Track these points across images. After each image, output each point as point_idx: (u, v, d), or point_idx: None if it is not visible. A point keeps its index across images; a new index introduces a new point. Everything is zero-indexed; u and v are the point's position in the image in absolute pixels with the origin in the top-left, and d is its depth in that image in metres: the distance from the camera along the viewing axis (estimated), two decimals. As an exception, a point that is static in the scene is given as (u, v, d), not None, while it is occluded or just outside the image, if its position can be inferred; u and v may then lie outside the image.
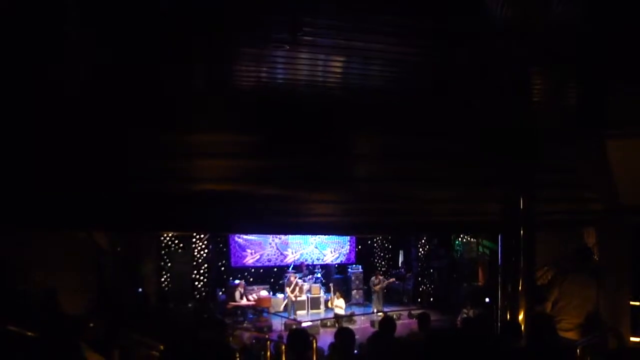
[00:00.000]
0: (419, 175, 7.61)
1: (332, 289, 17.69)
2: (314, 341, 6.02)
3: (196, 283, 17.16)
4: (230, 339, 9.78)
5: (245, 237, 18.64)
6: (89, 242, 10.15)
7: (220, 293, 17.52)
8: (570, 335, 6.57)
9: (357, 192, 7.95)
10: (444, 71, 4.86)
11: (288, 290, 16.89)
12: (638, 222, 6.58)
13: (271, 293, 17.90)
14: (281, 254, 19.36)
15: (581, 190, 7.66)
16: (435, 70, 4.86)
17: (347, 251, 20.56)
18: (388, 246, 21.48)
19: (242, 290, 16.75)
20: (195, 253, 17.29)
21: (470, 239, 16.71)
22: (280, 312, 16.94)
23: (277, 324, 15.68)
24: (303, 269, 18.61)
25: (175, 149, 6.82)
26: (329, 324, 15.69)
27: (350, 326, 13.33)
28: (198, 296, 16.99)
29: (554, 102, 5.86)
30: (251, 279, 18.77)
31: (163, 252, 16.40)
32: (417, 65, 4.69)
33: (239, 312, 16.42)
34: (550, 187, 7.71)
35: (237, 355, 6.30)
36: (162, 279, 16.18)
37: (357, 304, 18.47)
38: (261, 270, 19.30)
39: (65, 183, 6.82)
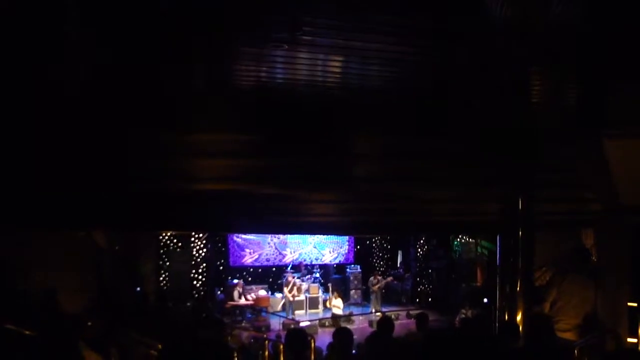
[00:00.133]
0: (418, 175, 7.61)
1: (330, 288, 17.68)
2: (312, 341, 6.02)
3: (195, 282, 17.13)
4: (229, 338, 9.75)
5: (244, 236, 18.62)
6: (88, 242, 10.14)
7: (219, 292, 17.50)
8: (568, 335, 6.58)
9: (357, 192, 7.96)
10: (444, 71, 4.86)
11: (286, 290, 16.88)
12: (637, 222, 6.58)
13: (270, 293, 17.89)
14: (280, 253, 19.35)
15: (580, 190, 7.67)
16: (435, 70, 4.86)
17: (346, 251, 20.54)
18: (387, 246, 21.46)
19: (241, 290, 16.74)
20: (194, 252, 17.26)
21: (469, 239, 16.71)
22: (278, 311, 16.95)
23: (276, 323, 15.67)
24: (302, 268, 18.60)
25: (175, 148, 6.82)
26: (327, 323, 15.67)
27: (349, 326, 13.32)
28: (196, 295, 16.95)
29: (553, 102, 5.86)
30: (250, 279, 18.75)
31: (162, 251, 16.37)
32: (416, 65, 4.69)
33: (238, 311, 16.40)
34: (549, 187, 7.71)
35: (235, 355, 6.31)
36: (161, 278, 16.14)
37: (356, 304, 18.44)
38: (260, 270, 19.29)
39: (65, 183, 6.82)
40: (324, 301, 17.61)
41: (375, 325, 11.57)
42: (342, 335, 5.23)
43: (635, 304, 6.57)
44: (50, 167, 6.60)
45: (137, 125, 6.31)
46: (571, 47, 4.16)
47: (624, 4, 3.43)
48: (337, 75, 5.00)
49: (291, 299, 16.70)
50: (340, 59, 4.53)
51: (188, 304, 15.57)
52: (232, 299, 16.50)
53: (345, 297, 17.65)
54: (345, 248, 20.48)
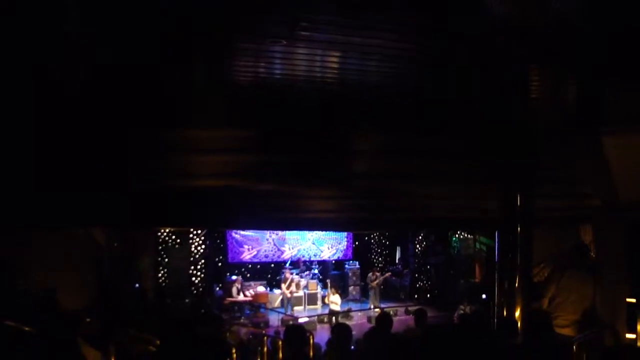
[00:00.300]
0: (417, 171, 7.61)
1: (328, 285, 17.74)
2: (311, 337, 6.03)
3: (193, 279, 17.14)
4: (227, 334, 9.76)
5: (242, 232, 18.64)
6: (88, 240, 10.16)
7: (218, 289, 17.52)
8: (567, 331, 6.58)
9: (355, 188, 7.96)
10: (443, 68, 4.86)
11: (283, 286, 16.89)
12: (636, 219, 6.58)
13: (268, 289, 17.92)
14: (278, 249, 19.37)
15: (579, 187, 7.67)
16: (434, 67, 4.85)
17: (344, 247, 20.57)
18: (385, 242, 21.49)
19: (239, 286, 16.76)
20: (193, 249, 17.27)
21: (468, 235, 16.75)
22: (277, 308, 16.97)
23: (274, 319, 15.70)
24: (300, 265, 18.63)
25: (174, 145, 6.81)
26: (325, 320, 15.71)
27: (347, 322, 13.36)
28: (195, 292, 16.97)
29: (552, 99, 5.86)
30: (248, 275, 18.78)
31: (160, 247, 16.38)
32: (415, 61, 4.68)
33: (236, 307, 16.43)
34: (548, 183, 7.71)
35: (234, 351, 6.30)
36: (159, 275, 16.16)
37: (354, 300, 18.48)
38: (258, 266, 19.32)
39: (66, 182, 6.82)
40: (323, 297, 17.65)
41: (373, 321, 11.62)
42: (340, 331, 5.24)
43: (633, 300, 6.57)
44: (51, 165, 6.59)
45: (135, 122, 6.29)
46: (570, 44, 4.15)
47: (622, 2, 3.42)
48: (336, 71, 4.99)
49: (289, 295, 16.72)
50: (339, 54, 4.51)
51: (186, 300, 15.63)
52: (231, 295, 16.52)
53: (343, 293, 17.68)
54: (343, 244, 20.51)
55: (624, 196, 6.46)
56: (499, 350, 5.16)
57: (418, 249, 19.57)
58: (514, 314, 7.26)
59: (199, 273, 17.31)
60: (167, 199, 7.43)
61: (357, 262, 19.60)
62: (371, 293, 17.40)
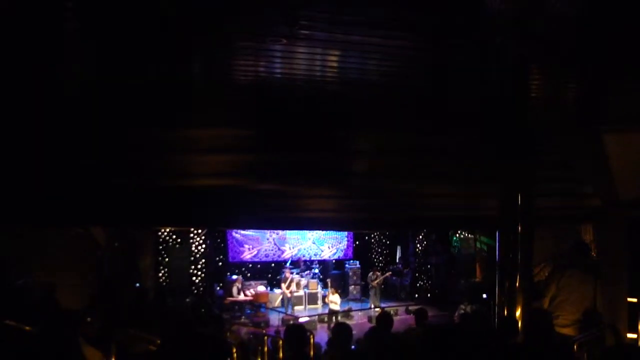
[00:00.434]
0: (418, 170, 7.60)
1: (329, 284, 17.74)
2: (311, 337, 6.02)
3: (194, 278, 17.15)
4: (228, 334, 9.76)
5: (242, 232, 18.65)
6: (88, 239, 10.14)
7: (218, 288, 17.53)
8: (568, 331, 6.57)
9: (356, 188, 7.95)
10: (443, 67, 4.85)
11: (283, 286, 16.90)
12: (636, 217, 6.58)
13: (269, 288, 17.92)
14: (279, 249, 19.38)
15: (580, 186, 7.67)
16: (434, 66, 4.85)
17: (345, 247, 20.58)
18: (386, 242, 21.49)
19: (240, 286, 16.77)
20: (193, 248, 17.28)
21: (468, 234, 16.74)
22: (277, 307, 16.97)
23: (275, 319, 15.70)
24: (300, 264, 18.63)
25: (174, 145, 6.81)
26: (326, 319, 15.71)
27: (348, 322, 13.35)
28: (195, 291, 16.98)
29: (552, 98, 5.85)
30: (249, 275, 18.79)
31: (160, 247, 16.40)
32: (415, 60, 4.68)
33: (237, 307, 16.43)
34: (548, 182, 7.70)
35: (235, 351, 6.29)
36: (160, 274, 16.18)
37: (355, 300, 18.49)
38: (259, 266, 19.32)
39: (66, 181, 6.81)
40: (323, 297, 17.65)
41: (374, 321, 11.62)
42: (340, 330, 5.24)
43: (634, 300, 6.57)
44: (51, 165, 6.59)
45: (135, 122, 6.29)
46: (571, 45, 4.15)
47: (623, 2, 3.42)
48: (336, 70, 4.99)
49: (289, 294, 16.73)
50: (339, 53, 4.51)
51: (187, 299, 15.61)
52: (231, 295, 16.53)
53: (344, 293, 17.68)
54: (344, 244, 20.51)
55: (624, 195, 6.46)
56: (499, 349, 5.15)
57: (418, 248, 19.56)
58: (515, 314, 7.25)
59: (199, 272, 17.32)
60: (167, 198, 7.43)
61: (357, 262, 19.60)
62: (371, 292, 17.39)
